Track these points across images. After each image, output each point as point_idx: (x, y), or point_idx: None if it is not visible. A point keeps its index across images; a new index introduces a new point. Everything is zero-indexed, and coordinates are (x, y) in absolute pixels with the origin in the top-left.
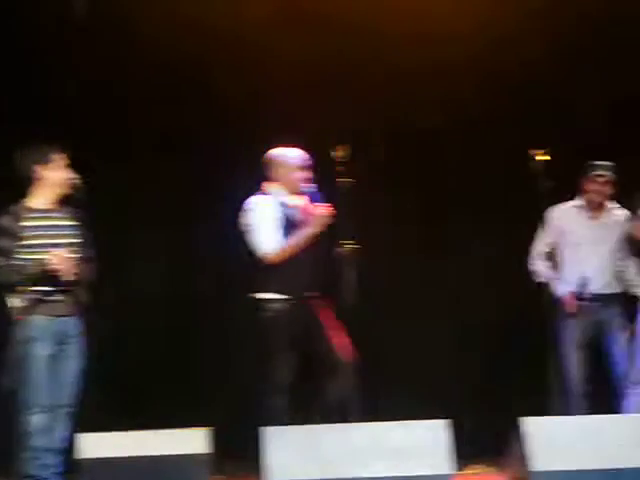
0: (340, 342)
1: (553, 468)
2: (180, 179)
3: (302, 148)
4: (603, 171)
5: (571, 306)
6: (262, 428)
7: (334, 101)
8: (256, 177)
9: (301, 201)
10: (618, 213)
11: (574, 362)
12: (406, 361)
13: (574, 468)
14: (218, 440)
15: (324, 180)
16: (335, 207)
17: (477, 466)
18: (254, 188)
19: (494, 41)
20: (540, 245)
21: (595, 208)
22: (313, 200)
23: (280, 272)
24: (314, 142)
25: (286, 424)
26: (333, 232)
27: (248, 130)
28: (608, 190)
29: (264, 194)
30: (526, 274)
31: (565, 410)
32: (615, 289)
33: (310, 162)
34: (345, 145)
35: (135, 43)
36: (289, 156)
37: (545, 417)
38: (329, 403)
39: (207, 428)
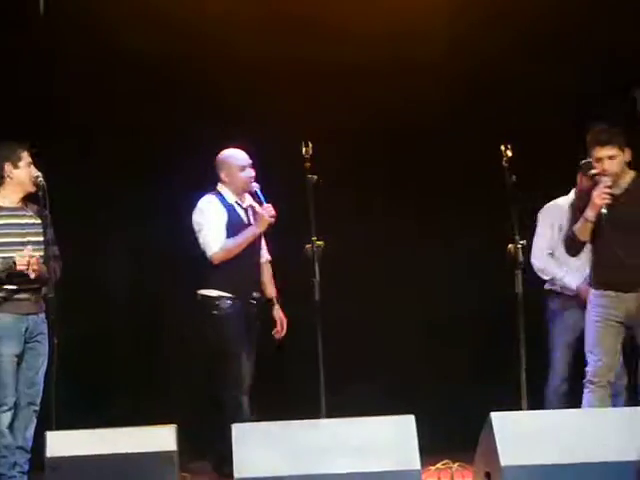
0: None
1: (523, 462)
2: (144, 174)
3: (269, 145)
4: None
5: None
6: (231, 425)
7: (303, 98)
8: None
9: (247, 201)
10: None
11: (560, 358)
12: (375, 357)
13: (544, 462)
14: (184, 437)
15: (291, 177)
16: (304, 204)
17: (446, 461)
18: (209, 187)
19: (461, 38)
20: (542, 242)
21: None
22: (259, 200)
23: (227, 271)
24: (281, 139)
25: (247, 421)
26: (301, 229)
27: (211, 128)
28: None
29: (214, 194)
30: (504, 267)
31: (541, 405)
32: None
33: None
34: (313, 142)
35: (100, 37)
36: (235, 157)
37: (515, 412)
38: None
39: (173, 425)
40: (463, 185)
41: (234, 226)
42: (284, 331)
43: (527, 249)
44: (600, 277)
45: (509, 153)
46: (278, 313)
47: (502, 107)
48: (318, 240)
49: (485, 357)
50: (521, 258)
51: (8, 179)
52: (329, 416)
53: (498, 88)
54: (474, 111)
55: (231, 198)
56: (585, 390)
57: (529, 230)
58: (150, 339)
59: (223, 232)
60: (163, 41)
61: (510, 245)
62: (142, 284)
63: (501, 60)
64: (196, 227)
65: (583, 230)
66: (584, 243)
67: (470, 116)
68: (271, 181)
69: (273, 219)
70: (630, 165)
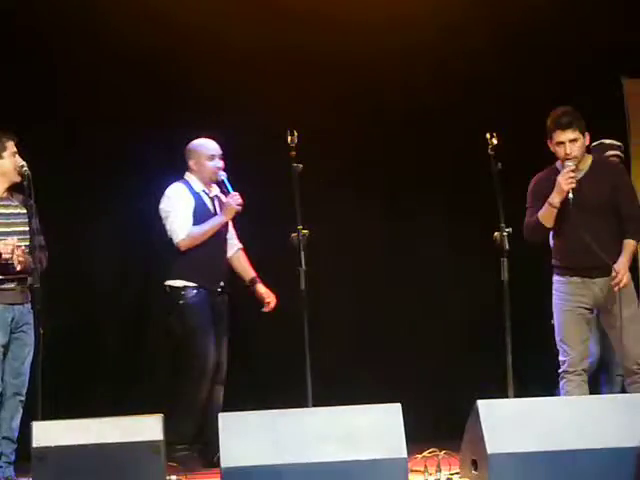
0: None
1: (509, 450)
2: (129, 164)
3: (254, 134)
4: (612, 151)
5: None
6: (219, 414)
7: (288, 88)
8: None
9: (215, 190)
10: None
11: None
12: (362, 345)
13: (530, 450)
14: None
15: (276, 166)
16: (289, 193)
17: (432, 449)
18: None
19: (444, 28)
20: None
21: None
22: (226, 189)
23: (193, 261)
24: (266, 128)
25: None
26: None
27: (198, 118)
28: None
29: (182, 182)
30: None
31: (527, 392)
32: None
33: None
34: (297, 131)
35: (84, 28)
36: (205, 146)
37: (501, 399)
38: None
39: (160, 415)
40: (452, 172)
41: (200, 214)
42: (273, 302)
43: (513, 236)
44: (566, 263)
45: (494, 141)
46: (261, 290)
47: (492, 96)
48: (304, 229)
49: (472, 345)
50: (507, 245)
51: None
52: (316, 405)
53: (486, 78)
54: (463, 100)
55: (198, 187)
56: (562, 381)
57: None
58: (135, 329)
59: (190, 219)
60: (148, 33)
61: (496, 233)
62: (127, 274)
63: (490, 49)
64: (163, 214)
65: (549, 216)
66: (549, 229)
67: (459, 105)
68: (259, 170)
69: (240, 207)
70: (588, 149)
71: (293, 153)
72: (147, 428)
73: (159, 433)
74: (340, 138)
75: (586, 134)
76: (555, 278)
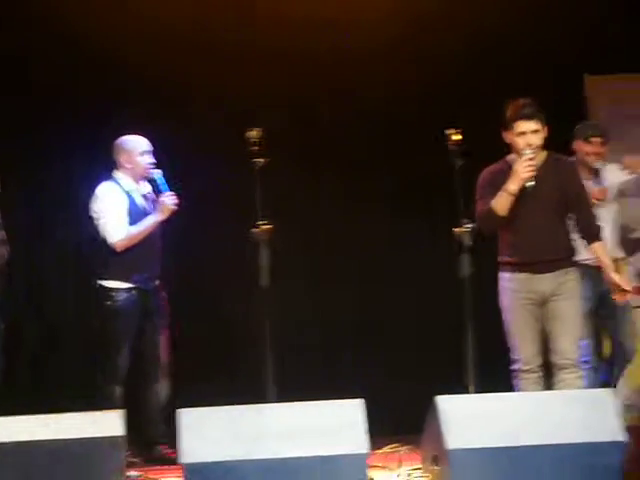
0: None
1: (469, 446)
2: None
3: (216, 129)
4: (597, 132)
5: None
6: (180, 410)
7: (251, 84)
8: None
9: (147, 188)
10: (610, 175)
11: None
12: (323, 341)
13: (490, 445)
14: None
15: (237, 161)
16: (250, 188)
17: (394, 444)
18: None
19: (408, 25)
20: None
21: (589, 171)
22: (159, 187)
23: (125, 261)
24: (228, 123)
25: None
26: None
27: (152, 111)
28: (604, 152)
29: (111, 180)
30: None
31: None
32: None
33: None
34: (260, 126)
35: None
36: (135, 142)
37: (460, 395)
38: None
39: (120, 410)
40: (414, 167)
41: (132, 214)
42: None
43: (474, 232)
44: (516, 258)
45: (454, 137)
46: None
47: (454, 93)
48: (265, 225)
49: (434, 341)
50: (468, 241)
51: None
52: (280, 401)
53: (448, 76)
54: (425, 95)
55: (129, 185)
56: (515, 379)
57: None
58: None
59: (125, 219)
60: (98, 26)
61: (456, 229)
62: (49, 271)
63: (453, 47)
64: (95, 215)
65: (503, 203)
66: (502, 218)
67: (421, 100)
68: (219, 166)
69: (176, 207)
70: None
71: (254, 148)
72: (108, 423)
73: (120, 428)
74: (303, 135)
75: (545, 127)
76: (503, 275)
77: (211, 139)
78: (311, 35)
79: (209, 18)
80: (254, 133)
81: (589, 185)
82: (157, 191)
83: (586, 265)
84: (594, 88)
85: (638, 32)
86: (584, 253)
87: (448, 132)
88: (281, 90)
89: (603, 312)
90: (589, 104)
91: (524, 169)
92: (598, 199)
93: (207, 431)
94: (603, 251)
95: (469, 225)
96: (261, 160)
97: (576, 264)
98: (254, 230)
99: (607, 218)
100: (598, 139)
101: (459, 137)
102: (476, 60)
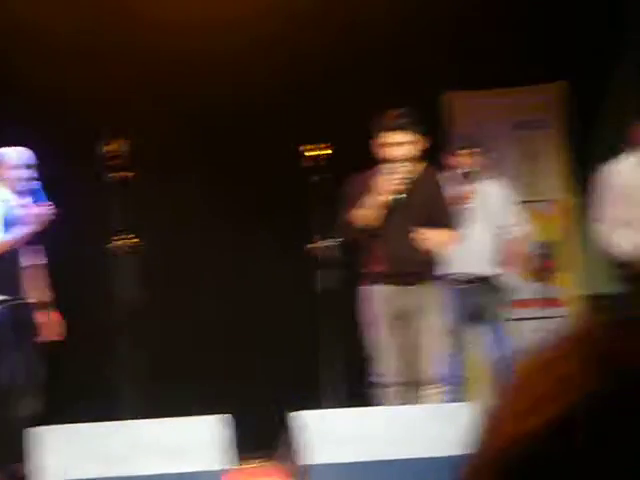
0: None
1: (326, 461)
2: None
3: (77, 143)
4: (465, 144)
5: None
6: (26, 430)
7: (118, 92)
8: None
9: (23, 199)
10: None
11: None
12: (185, 358)
13: (347, 460)
14: None
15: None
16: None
17: (254, 461)
18: None
19: (273, 31)
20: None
21: (463, 176)
22: (36, 199)
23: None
24: (88, 136)
25: None
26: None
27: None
28: (474, 162)
29: None
30: (301, 269)
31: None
32: None
33: (34, 161)
34: (120, 139)
35: None
36: (9, 155)
37: (317, 410)
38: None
39: None
40: (271, 184)
41: (7, 223)
42: (56, 334)
43: (333, 249)
44: (380, 268)
45: (311, 153)
46: (46, 317)
47: (316, 107)
48: (125, 239)
49: (289, 355)
50: (324, 256)
51: None
52: (147, 417)
53: (312, 88)
54: (284, 109)
55: (2, 195)
56: (376, 393)
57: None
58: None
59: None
60: None
61: (310, 245)
62: None
63: (314, 57)
64: None
65: (367, 215)
66: (364, 229)
67: (281, 114)
68: (81, 180)
69: (48, 220)
70: (423, 156)
71: (115, 162)
72: None
73: None
74: (168, 146)
75: (420, 139)
76: (365, 288)
77: (76, 152)
78: (174, 39)
79: (67, 22)
80: (113, 147)
81: (461, 189)
82: (35, 202)
83: (455, 280)
84: (455, 103)
85: (494, 47)
86: (453, 267)
87: (303, 148)
88: (146, 98)
89: (473, 326)
90: (450, 119)
91: (388, 183)
92: (464, 200)
93: (61, 449)
94: (439, 233)
95: (325, 241)
96: (123, 174)
97: (442, 278)
98: (112, 245)
99: (481, 225)
100: (465, 151)
101: (315, 153)
102: (337, 79)
